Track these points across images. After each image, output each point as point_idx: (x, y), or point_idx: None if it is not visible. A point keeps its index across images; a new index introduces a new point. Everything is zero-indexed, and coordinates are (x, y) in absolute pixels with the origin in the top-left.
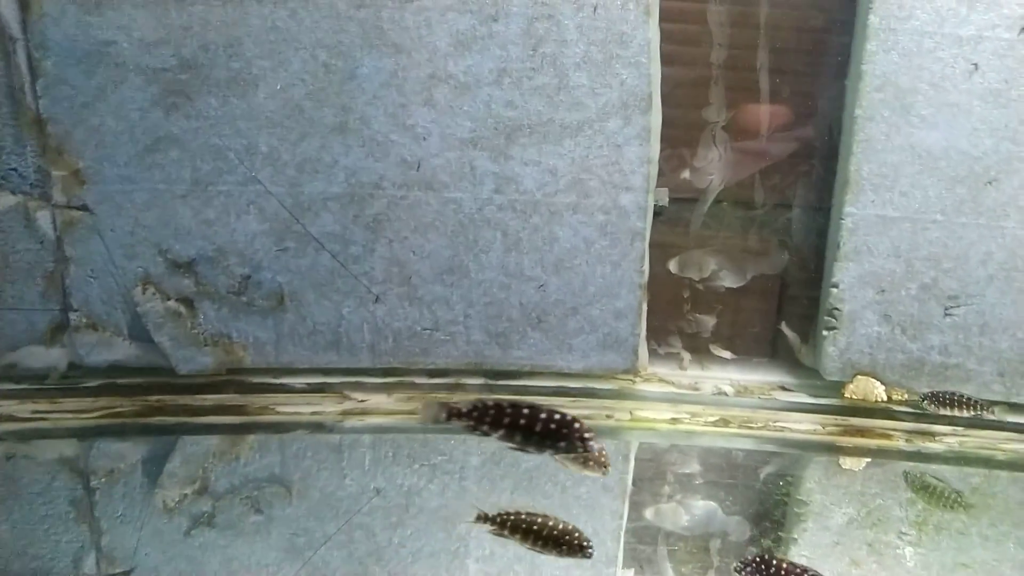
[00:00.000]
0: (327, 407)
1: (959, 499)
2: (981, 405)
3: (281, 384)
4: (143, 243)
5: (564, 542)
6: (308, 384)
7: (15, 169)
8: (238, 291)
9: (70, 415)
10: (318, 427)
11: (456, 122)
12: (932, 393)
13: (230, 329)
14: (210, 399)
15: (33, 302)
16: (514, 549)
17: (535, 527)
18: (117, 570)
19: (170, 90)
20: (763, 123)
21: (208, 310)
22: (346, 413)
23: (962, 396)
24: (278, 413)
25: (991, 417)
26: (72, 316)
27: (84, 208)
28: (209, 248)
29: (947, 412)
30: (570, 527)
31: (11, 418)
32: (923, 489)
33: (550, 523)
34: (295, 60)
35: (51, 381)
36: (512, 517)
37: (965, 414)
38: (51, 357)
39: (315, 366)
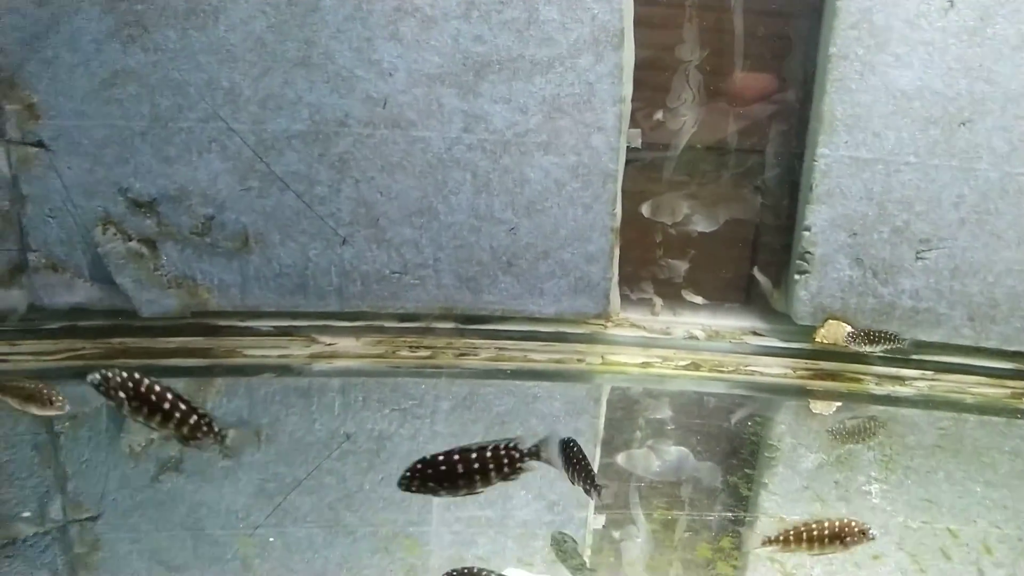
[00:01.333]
0: (294, 350)
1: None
2: (895, 338)
3: (247, 327)
4: (102, 181)
5: (845, 534)
6: (275, 327)
7: None
8: (201, 232)
9: (30, 357)
10: (286, 370)
11: (423, 57)
12: (854, 332)
13: (194, 271)
14: (175, 342)
15: None
16: (483, 496)
17: (815, 532)
18: (84, 516)
19: (126, 21)
20: (738, 68)
21: (171, 251)
22: (314, 356)
23: (881, 332)
24: (245, 356)
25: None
26: (31, 256)
27: (40, 144)
28: (171, 187)
29: (867, 348)
30: (845, 521)
31: None
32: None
33: (825, 524)
34: None
35: (11, 323)
36: (792, 531)
37: (880, 348)
38: (10, 298)
39: (282, 309)
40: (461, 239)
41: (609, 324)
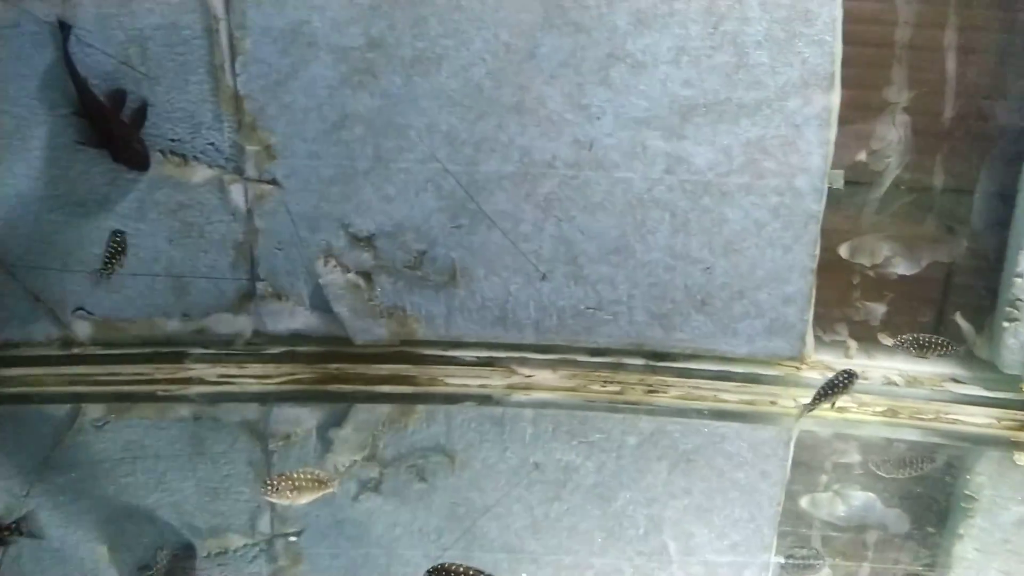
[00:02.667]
0: (494, 380)
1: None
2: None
3: (449, 356)
4: (327, 217)
5: None
6: (477, 357)
7: (212, 144)
8: (413, 265)
9: (254, 380)
10: (485, 399)
11: (631, 101)
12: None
13: (404, 302)
14: (383, 369)
15: (224, 271)
16: (670, 530)
17: None
18: (289, 530)
19: (357, 68)
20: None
21: (385, 283)
22: (512, 387)
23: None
24: (446, 385)
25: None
26: (259, 285)
27: (274, 182)
28: (388, 223)
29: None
30: None
31: (201, 381)
32: None
33: None
34: (477, 40)
35: (237, 347)
36: None
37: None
38: (238, 324)
39: (482, 340)
40: (656, 277)
41: (803, 366)
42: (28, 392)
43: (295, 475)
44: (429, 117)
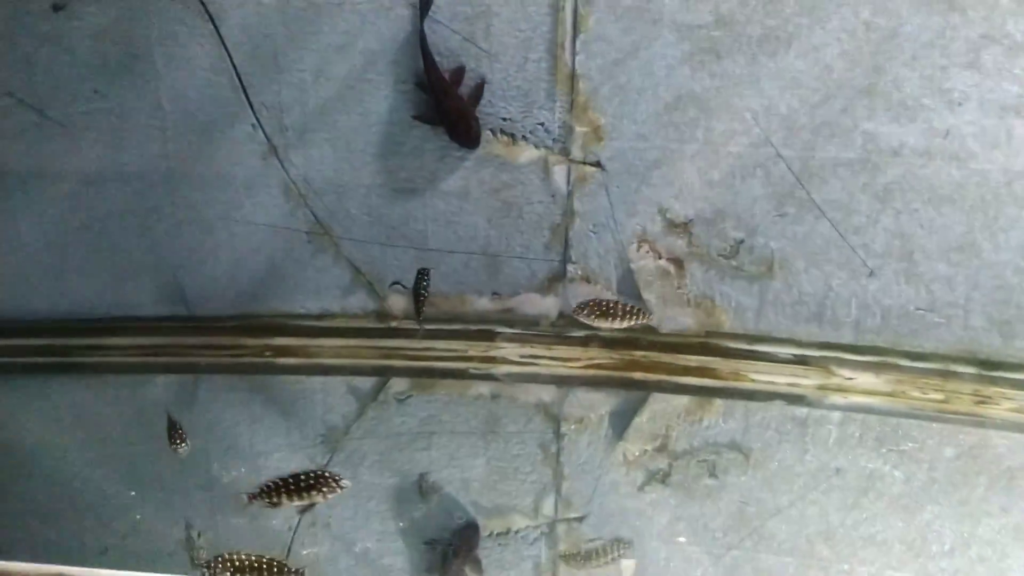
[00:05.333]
0: (807, 380)
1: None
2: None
3: (754, 351)
4: (645, 201)
5: None
6: (793, 355)
7: (542, 124)
8: (728, 254)
9: (558, 363)
10: (796, 399)
11: (1001, 87)
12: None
13: (714, 292)
14: (689, 360)
15: (537, 252)
16: (980, 549)
17: None
18: (572, 515)
19: (700, 47)
20: None
21: (696, 271)
22: (824, 388)
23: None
24: (750, 380)
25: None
26: (569, 268)
27: (597, 164)
28: (708, 210)
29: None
30: None
31: (506, 360)
32: None
33: None
34: (834, 17)
35: (541, 328)
36: None
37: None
38: (544, 305)
39: (792, 337)
40: (1002, 280)
41: None
42: (340, 364)
43: None
44: (769, 99)
